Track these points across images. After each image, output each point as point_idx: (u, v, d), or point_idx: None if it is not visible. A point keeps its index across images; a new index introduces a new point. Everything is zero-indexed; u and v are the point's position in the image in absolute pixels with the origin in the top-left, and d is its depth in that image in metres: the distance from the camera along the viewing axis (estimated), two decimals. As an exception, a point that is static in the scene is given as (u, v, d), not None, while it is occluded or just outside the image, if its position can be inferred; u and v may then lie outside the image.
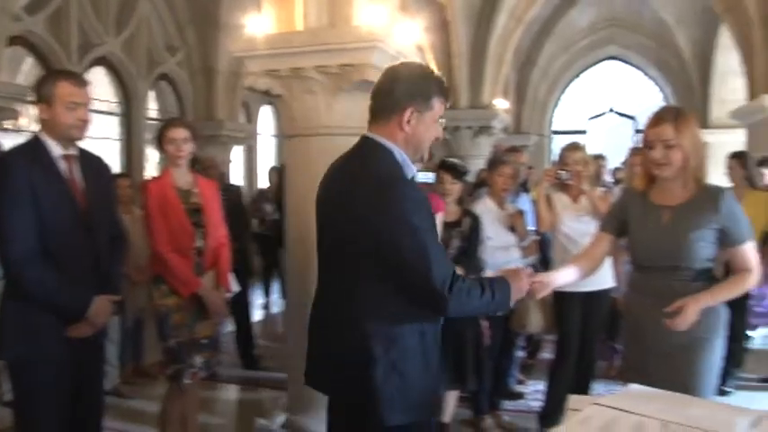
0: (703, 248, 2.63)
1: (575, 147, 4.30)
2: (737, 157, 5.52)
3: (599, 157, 6.29)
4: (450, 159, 4.35)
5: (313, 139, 4.02)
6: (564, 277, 2.80)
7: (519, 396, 5.08)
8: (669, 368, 2.62)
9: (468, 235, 4.06)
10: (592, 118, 13.77)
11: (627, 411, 2.10)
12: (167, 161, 3.66)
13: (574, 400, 2.34)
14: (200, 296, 3.48)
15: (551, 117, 14.44)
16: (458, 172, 4.08)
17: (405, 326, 2.19)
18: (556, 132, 14.51)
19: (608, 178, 5.94)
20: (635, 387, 2.45)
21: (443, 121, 2.29)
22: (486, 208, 4.46)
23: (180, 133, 3.53)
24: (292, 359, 4.38)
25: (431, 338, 2.26)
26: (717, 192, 2.66)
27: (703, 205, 2.63)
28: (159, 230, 3.44)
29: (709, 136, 10.96)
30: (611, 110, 13.64)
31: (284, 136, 4.36)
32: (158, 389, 3.72)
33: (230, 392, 5.41)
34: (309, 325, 2.49)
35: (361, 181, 2.19)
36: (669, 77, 12.87)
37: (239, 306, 5.45)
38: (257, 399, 5.21)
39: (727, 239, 2.65)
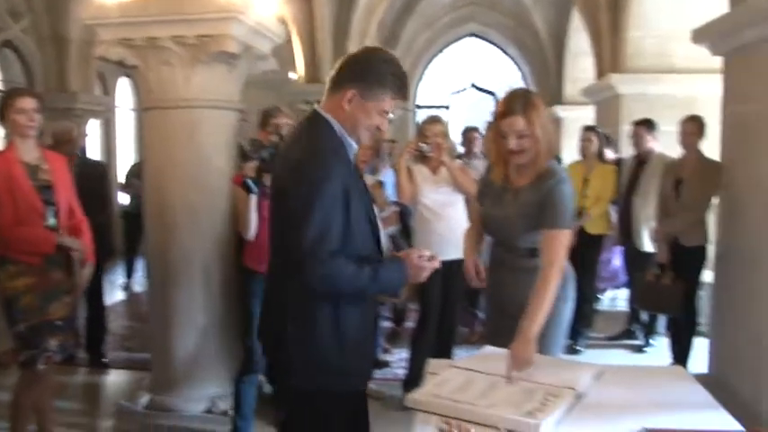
0: (534, 232, 2.70)
1: (434, 120, 4.40)
2: (592, 130, 5.87)
3: (473, 130, 6.50)
4: None
5: (171, 112, 3.91)
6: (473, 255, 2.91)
7: (385, 364, 5.19)
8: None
9: None
10: (454, 93, 14.14)
11: (481, 372, 2.22)
12: (12, 134, 3.40)
13: (433, 364, 2.44)
14: (52, 274, 3.30)
15: (415, 92, 14.67)
16: None
17: (318, 299, 2.16)
18: (419, 107, 14.79)
19: (478, 150, 6.16)
20: (489, 349, 2.59)
21: (391, 116, 2.26)
22: None
23: (29, 103, 3.29)
24: (155, 339, 4.28)
25: (350, 313, 2.20)
26: (551, 174, 2.69)
27: (538, 188, 2.69)
28: (3, 209, 3.21)
29: (562, 112, 11.58)
30: (473, 85, 14.05)
31: (141, 109, 4.19)
32: (11, 378, 3.51)
33: (91, 376, 5.18)
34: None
35: (291, 155, 2.20)
36: (527, 56, 13.40)
37: (92, 287, 5.13)
38: (119, 381, 5.04)
39: (540, 219, 2.67)
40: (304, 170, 2.10)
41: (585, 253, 5.10)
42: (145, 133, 4.18)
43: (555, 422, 1.86)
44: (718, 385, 4.14)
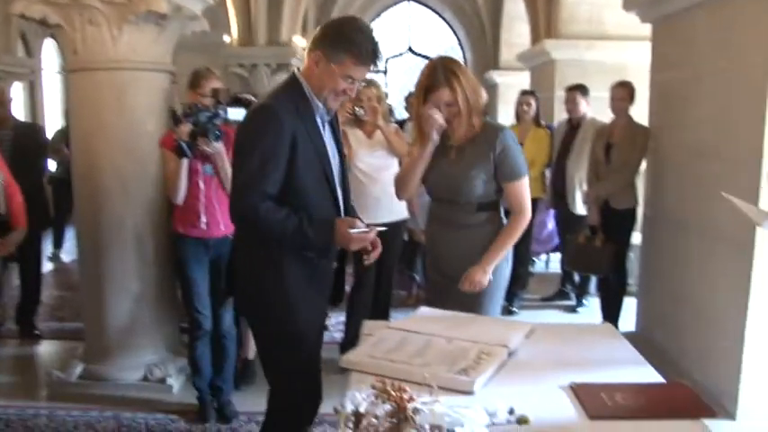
0: (482, 184, 2.80)
1: (369, 83, 4.38)
2: (531, 95, 5.94)
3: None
4: (243, 94, 4.24)
5: (98, 74, 3.77)
6: None
7: (324, 328, 5.20)
8: (461, 292, 2.81)
9: None
10: (391, 57, 14.07)
11: (416, 332, 2.25)
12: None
13: (368, 325, 2.46)
14: None
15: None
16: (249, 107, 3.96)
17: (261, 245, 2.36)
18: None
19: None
20: (424, 310, 2.62)
21: (357, 83, 2.38)
22: None
23: None
24: (87, 308, 4.19)
25: (293, 262, 2.35)
26: (495, 130, 2.81)
27: (482, 143, 2.79)
28: None
29: (498, 77, 11.66)
30: (410, 50, 14.01)
31: (67, 71, 4.02)
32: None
33: (23, 347, 5.04)
34: None
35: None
36: (463, 21, 13.41)
37: (27, 255, 4.96)
38: (52, 351, 4.93)
39: (500, 175, 2.80)
40: (250, 123, 2.33)
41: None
42: (71, 96, 4.03)
43: (487, 379, 1.90)
44: (646, 342, 4.31)
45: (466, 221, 2.86)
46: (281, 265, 2.34)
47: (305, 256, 2.37)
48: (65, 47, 3.90)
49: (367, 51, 2.30)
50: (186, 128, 3.40)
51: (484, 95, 2.84)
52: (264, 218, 2.24)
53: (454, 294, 2.80)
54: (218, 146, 3.39)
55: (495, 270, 2.84)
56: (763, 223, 2.22)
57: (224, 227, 3.51)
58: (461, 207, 2.85)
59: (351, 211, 2.60)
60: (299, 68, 2.46)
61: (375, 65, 2.38)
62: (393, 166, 4.43)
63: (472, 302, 2.77)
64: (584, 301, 5.80)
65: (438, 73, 2.73)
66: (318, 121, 2.39)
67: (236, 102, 3.87)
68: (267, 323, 2.46)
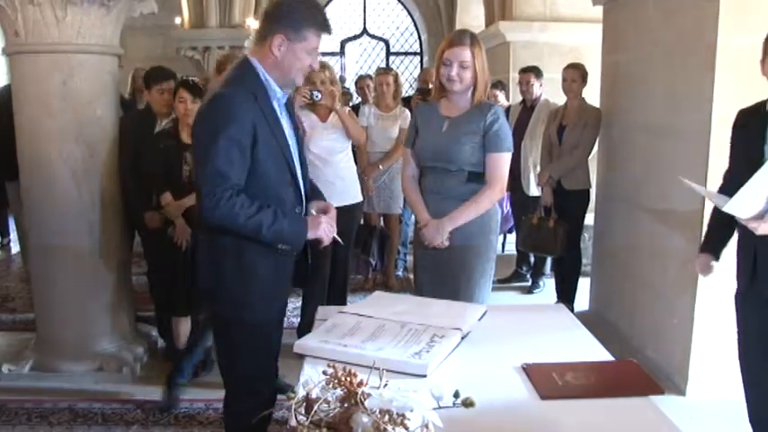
0: (470, 150, 2.95)
1: (323, 66, 4.33)
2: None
3: (367, 77, 6.66)
4: (190, 78, 4.15)
5: (42, 57, 3.66)
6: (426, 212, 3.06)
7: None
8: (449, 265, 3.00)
9: None
10: (347, 40, 13.95)
11: (369, 317, 2.25)
12: None
13: (322, 310, 2.46)
14: None
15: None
16: (197, 91, 3.88)
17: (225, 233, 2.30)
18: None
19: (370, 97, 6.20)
20: (378, 294, 2.63)
21: (319, 54, 2.39)
22: None
23: None
24: (38, 298, 4.10)
25: (253, 249, 2.31)
26: (489, 105, 3.01)
27: (475, 116, 2.96)
28: None
29: (453, 59, 11.64)
30: (365, 32, 13.91)
31: (7, 53, 3.90)
32: None
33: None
34: None
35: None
36: (419, 2, 13.34)
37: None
38: (2, 343, 4.79)
39: (486, 145, 2.95)
40: (206, 114, 2.27)
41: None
42: (14, 81, 3.91)
43: (440, 362, 1.91)
44: (599, 321, 4.40)
45: (458, 191, 2.99)
46: (241, 251, 2.31)
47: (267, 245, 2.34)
48: (6, 28, 3.75)
49: (324, 18, 2.34)
50: None
51: (489, 83, 3.10)
52: (236, 219, 2.20)
53: (443, 265, 2.99)
54: None
55: (486, 242, 3.03)
56: (723, 206, 2.26)
57: None
58: (453, 175, 2.98)
59: (315, 195, 2.60)
60: (249, 53, 2.41)
61: (331, 31, 2.40)
62: (347, 150, 4.44)
63: (459, 278, 2.98)
64: (539, 282, 5.85)
65: (465, 35, 2.95)
66: (276, 106, 2.37)
67: (185, 85, 3.80)
68: (225, 309, 2.43)
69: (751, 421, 2.71)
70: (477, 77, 2.93)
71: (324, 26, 2.33)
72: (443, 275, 3.02)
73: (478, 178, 2.97)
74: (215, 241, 2.33)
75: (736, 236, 2.61)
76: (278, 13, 2.30)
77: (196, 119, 2.36)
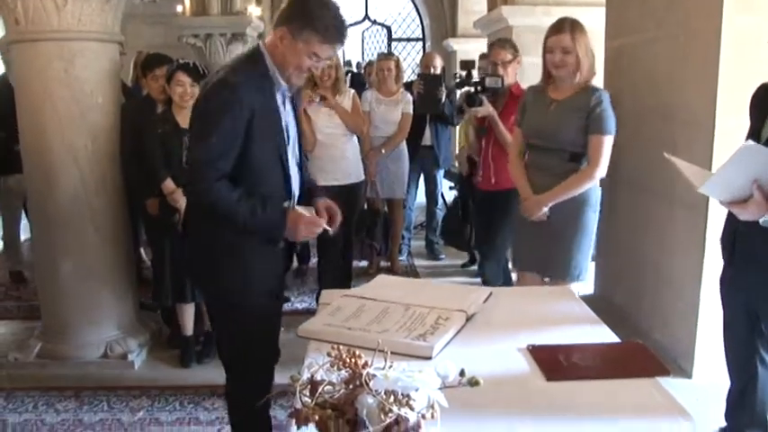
0: (574, 131, 3.13)
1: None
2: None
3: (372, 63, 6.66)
4: (187, 60, 4.11)
5: (42, 45, 3.65)
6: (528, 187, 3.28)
7: (286, 300, 5.19)
8: (547, 235, 3.24)
9: None
10: (349, 25, 13.95)
11: (373, 299, 2.24)
12: None
13: (325, 294, 2.45)
14: None
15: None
16: (197, 74, 3.81)
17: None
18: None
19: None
20: (382, 278, 2.62)
21: (322, 63, 2.41)
22: None
23: None
24: (43, 286, 4.10)
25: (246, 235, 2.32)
26: (596, 89, 3.18)
27: (581, 99, 3.13)
28: None
29: (456, 45, 11.60)
30: (367, 18, 13.86)
31: (8, 42, 3.88)
32: None
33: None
34: None
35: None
36: (421, -13, 13.27)
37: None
38: (8, 332, 4.81)
39: (589, 127, 3.11)
40: (211, 98, 2.26)
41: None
42: (15, 69, 3.89)
43: (445, 344, 1.91)
44: (605, 304, 4.38)
45: (561, 169, 3.18)
46: (234, 237, 2.30)
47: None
48: (6, 16, 3.73)
49: (333, 29, 2.27)
50: None
51: (596, 67, 3.22)
52: (217, 197, 2.23)
53: (542, 238, 3.24)
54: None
55: (584, 218, 3.24)
56: (698, 187, 2.13)
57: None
58: (555, 153, 3.18)
59: (310, 192, 2.59)
60: (263, 41, 2.40)
61: (341, 43, 2.34)
62: (352, 135, 4.46)
63: (557, 252, 3.23)
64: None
65: (565, 23, 3.14)
66: (279, 97, 2.36)
67: (184, 68, 3.78)
68: (219, 295, 2.44)
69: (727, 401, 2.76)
70: (581, 61, 3.08)
71: (331, 37, 2.27)
72: (542, 248, 3.22)
73: (579, 158, 3.14)
74: (207, 228, 2.34)
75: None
76: (292, 8, 2.29)
77: (197, 100, 2.40)
